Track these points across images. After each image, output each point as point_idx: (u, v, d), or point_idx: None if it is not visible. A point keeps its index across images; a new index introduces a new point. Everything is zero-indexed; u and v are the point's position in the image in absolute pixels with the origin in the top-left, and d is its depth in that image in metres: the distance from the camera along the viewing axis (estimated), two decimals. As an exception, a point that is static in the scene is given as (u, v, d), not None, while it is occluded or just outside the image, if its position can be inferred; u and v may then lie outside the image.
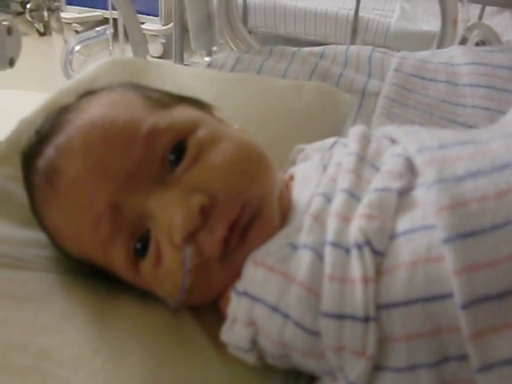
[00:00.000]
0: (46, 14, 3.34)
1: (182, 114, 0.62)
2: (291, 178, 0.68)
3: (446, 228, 0.47)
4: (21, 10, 3.67)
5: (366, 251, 0.50)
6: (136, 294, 0.61)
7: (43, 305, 0.57)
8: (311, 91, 1.00)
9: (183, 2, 1.57)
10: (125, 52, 2.55)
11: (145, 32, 1.45)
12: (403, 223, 0.52)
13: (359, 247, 0.51)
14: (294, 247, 0.54)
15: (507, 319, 0.45)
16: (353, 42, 1.78)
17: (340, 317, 0.49)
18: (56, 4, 3.43)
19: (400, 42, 2.93)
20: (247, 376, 0.57)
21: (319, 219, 0.55)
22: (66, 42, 2.77)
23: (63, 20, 3.52)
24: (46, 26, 3.46)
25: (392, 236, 0.51)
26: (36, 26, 3.50)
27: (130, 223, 0.57)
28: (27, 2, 3.45)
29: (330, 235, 0.53)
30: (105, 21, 3.13)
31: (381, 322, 0.48)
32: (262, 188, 0.59)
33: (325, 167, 0.63)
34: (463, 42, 1.40)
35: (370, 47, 1.35)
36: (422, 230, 0.50)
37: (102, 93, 0.65)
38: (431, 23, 2.76)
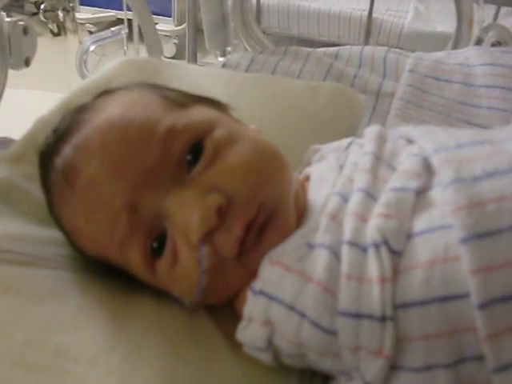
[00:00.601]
0: (61, 14, 3.36)
1: (199, 114, 0.62)
2: (307, 178, 0.68)
3: (462, 228, 0.47)
4: (35, 10, 3.69)
5: (384, 250, 0.50)
6: (152, 293, 0.61)
7: (60, 302, 0.57)
8: (327, 92, 1.00)
9: (197, 2, 1.57)
10: (139, 52, 2.56)
11: (158, 32, 1.45)
12: (420, 223, 0.52)
13: (376, 246, 0.50)
14: (311, 247, 0.54)
15: None
16: (366, 43, 1.77)
17: (357, 316, 0.49)
18: (71, 5, 3.45)
19: (414, 43, 2.91)
20: (262, 375, 0.57)
21: (336, 219, 0.55)
22: (80, 42, 2.78)
23: (77, 20, 3.54)
24: (60, 26, 3.48)
25: (409, 235, 0.51)
26: (50, 26, 3.53)
27: (146, 223, 0.57)
28: (41, 3, 3.47)
29: (347, 234, 0.53)
30: (118, 21, 3.14)
31: (398, 322, 0.48)
32: (278, 188, 0.59)
33: (341, 167, 0.63)
34: (478, 42, 1.39)
35: (385, 48, 1.34)
36: (440, 229, 0.50)
37: (120, 92, 0.65)
38: (445, 24, 2.74)
